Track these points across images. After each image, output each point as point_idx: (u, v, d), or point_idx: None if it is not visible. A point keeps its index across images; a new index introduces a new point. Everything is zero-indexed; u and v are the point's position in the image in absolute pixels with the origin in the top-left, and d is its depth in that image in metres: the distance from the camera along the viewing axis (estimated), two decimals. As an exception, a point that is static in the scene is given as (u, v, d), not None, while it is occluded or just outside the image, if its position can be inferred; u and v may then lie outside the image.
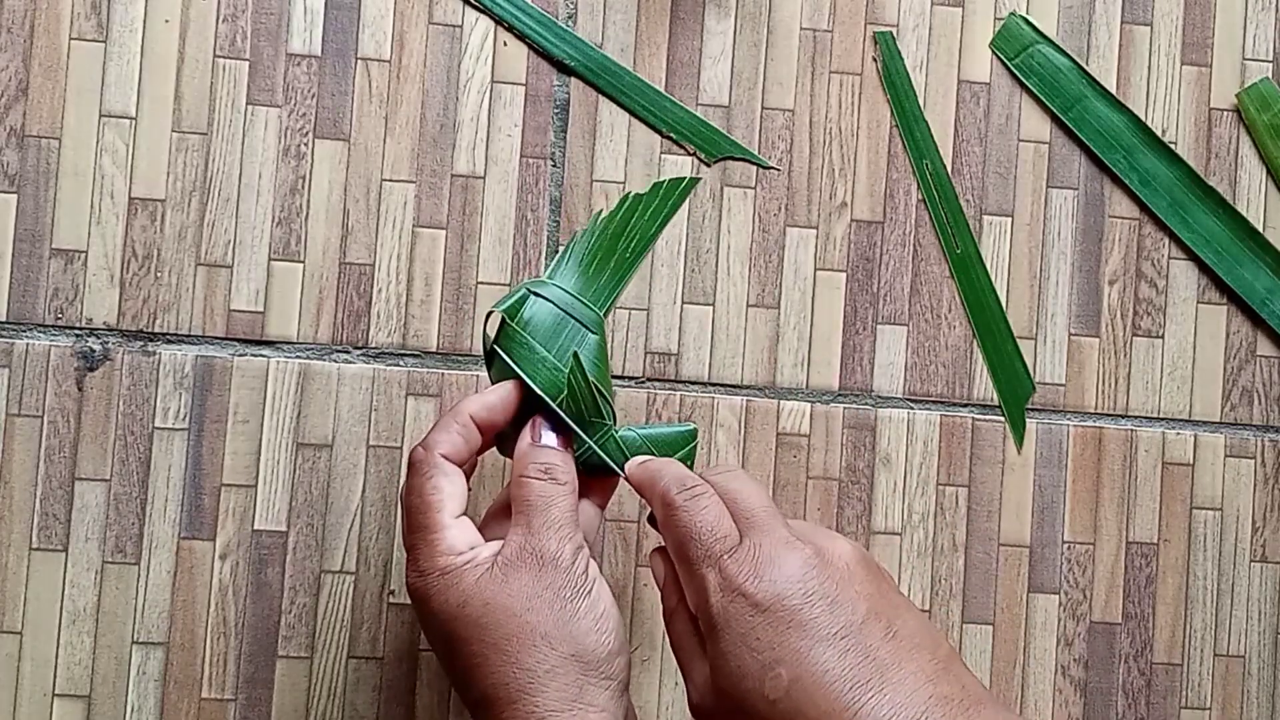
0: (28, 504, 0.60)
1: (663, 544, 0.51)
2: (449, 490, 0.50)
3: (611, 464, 0.53)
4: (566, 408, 0.53)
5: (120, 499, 0.60)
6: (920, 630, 0.46)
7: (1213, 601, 0.66)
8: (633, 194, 0.59)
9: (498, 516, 0.54)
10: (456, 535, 0.49)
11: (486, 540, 0.50)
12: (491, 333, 0.54)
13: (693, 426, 0.55)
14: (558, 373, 0.53)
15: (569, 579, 0.48)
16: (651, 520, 0.52)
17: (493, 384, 0.54)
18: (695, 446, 0.55)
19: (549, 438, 0.52)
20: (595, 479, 0.54)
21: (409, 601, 0.61)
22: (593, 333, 0.55)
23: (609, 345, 0.62)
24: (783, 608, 0.45)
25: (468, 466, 0.53)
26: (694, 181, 0.59)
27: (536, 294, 0.54)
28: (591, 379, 0.53)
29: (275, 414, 0.61)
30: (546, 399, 0.53)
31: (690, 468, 0.54)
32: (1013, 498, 0.65)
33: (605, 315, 0.57)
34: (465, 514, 0.51)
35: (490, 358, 0.55)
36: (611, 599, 0.49)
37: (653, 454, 0.54)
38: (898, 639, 0.45)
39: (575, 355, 0.53)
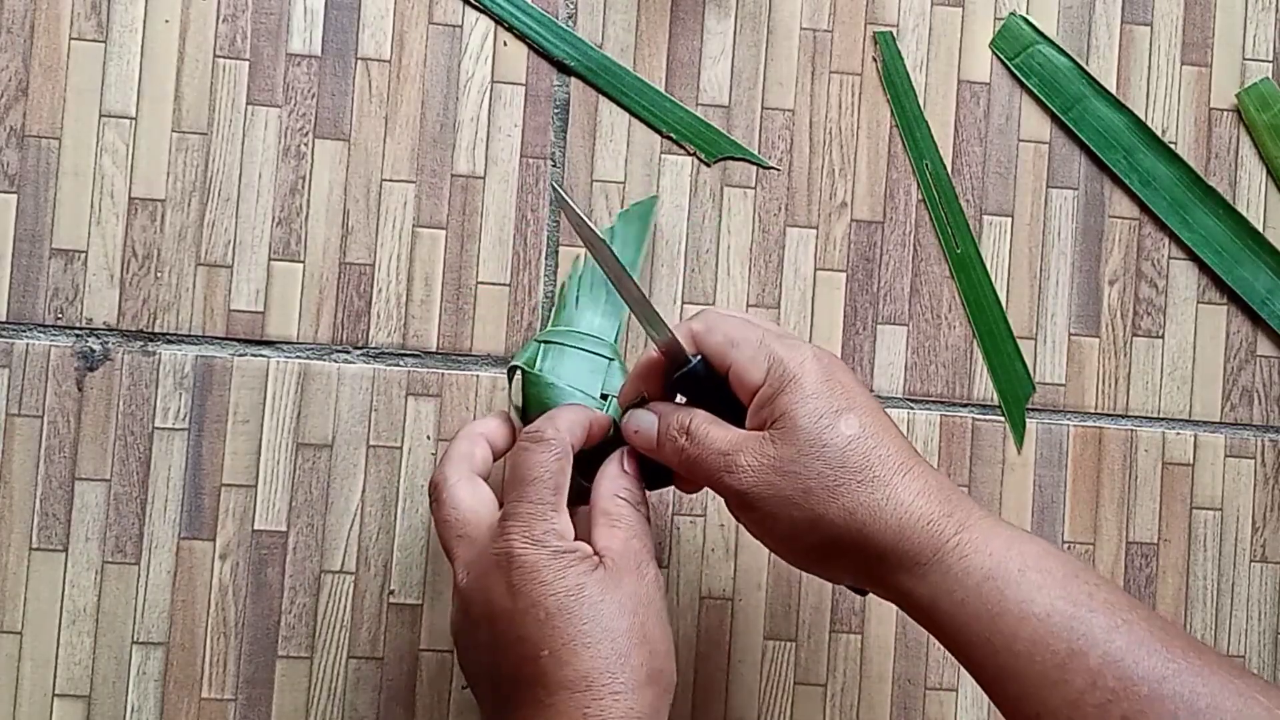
0: (28, 504, 0.60)
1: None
2: (568, 475, 0.50)
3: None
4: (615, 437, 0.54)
5: (120, 499, 0.60)
6: None
7: (1213, 601, 0.66)
8: (607, 226, 0.60)
9: None
10: (568, 524, 0.49)
11: None
12: (516, 393, 0.56)
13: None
14: (595, 404, 0.55)
15: (662, 599, 0.49)
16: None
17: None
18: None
19: (629, 465, 0.53)
20: None
21: (409, 601, 0.61)
22: (611, 359, 0.57)
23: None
24: (844, 370, 0.50)
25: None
26: (653, 200, 0.61)
27: (547, 342, 0.56)
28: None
29: (275, 414, 0.61)
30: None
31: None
32: (1013, 498, 0.65)
33: (616, 342, 0.59)
34: None
35: (523, 411, 0.56)
36: None
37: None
38: None
39: (604, 397, 0.55)
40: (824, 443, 0.47)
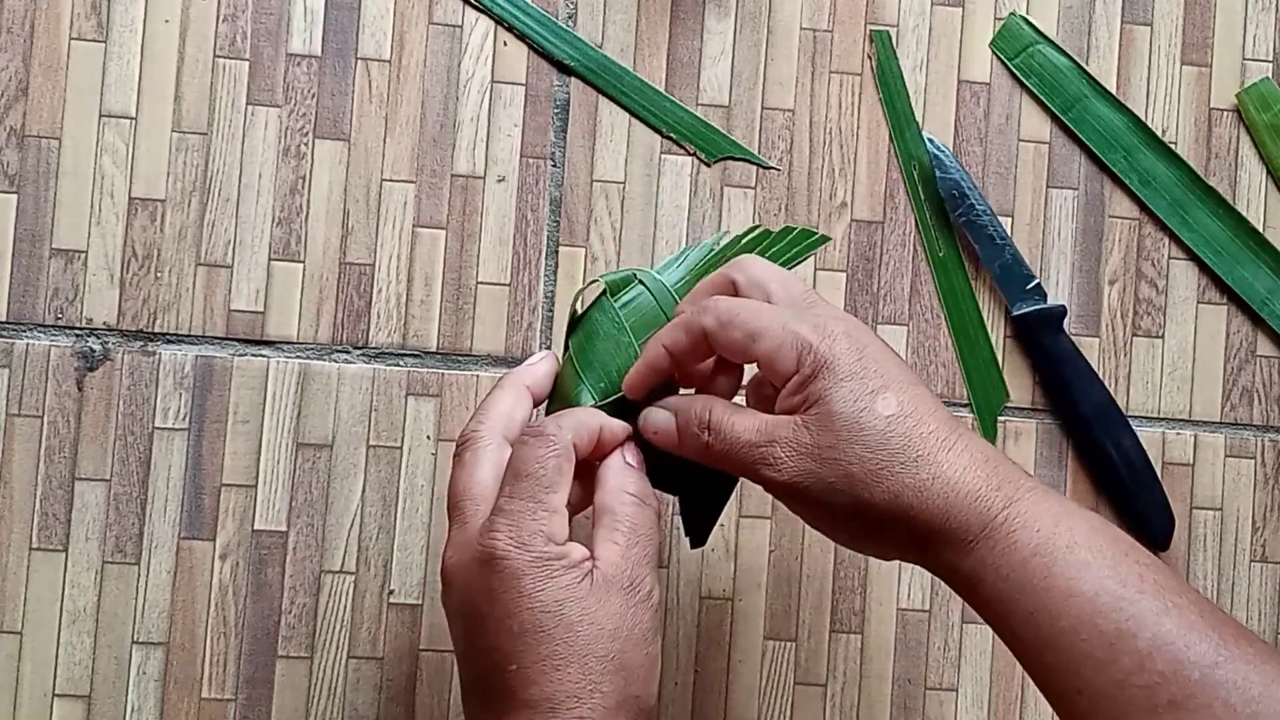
0: (28, 504, 0.60)
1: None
2: (568, 476, 0.48)
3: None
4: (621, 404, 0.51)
5: (120, 499, 0.60)
6: None
7: (1213, 601, 0.66)
8: (762, 228, 0.56)
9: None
10: (561, 524, 0.47)
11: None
12: (585, 303, 0.53)
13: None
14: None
15: (652, 620, 0.47)
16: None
17: (564, 353, 0.53)
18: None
19: (634, 457, 0.50)
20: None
21: (409, 601, 0.61)
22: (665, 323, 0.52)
23: None
24: (876, 342, 0.48)
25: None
26: (823, 239, 0.56)
27: (643, 283, 0.53)
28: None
29: (275, 414, 0.61)
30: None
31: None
32: (1013, 498, 0.65)
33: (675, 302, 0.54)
34: None
35: (572, 329, 0.53)
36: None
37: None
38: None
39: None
40: (863, 426, 0.45)
